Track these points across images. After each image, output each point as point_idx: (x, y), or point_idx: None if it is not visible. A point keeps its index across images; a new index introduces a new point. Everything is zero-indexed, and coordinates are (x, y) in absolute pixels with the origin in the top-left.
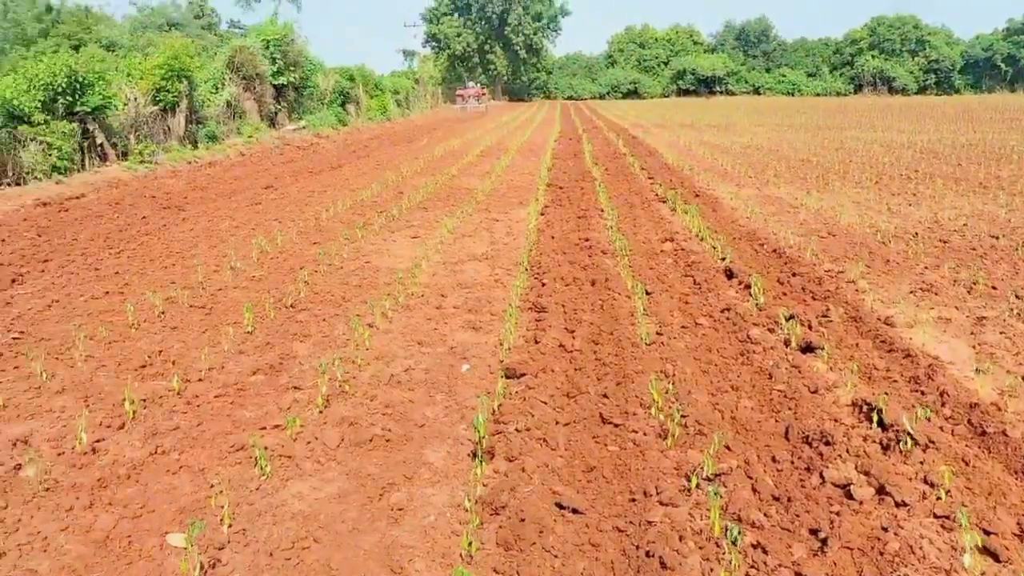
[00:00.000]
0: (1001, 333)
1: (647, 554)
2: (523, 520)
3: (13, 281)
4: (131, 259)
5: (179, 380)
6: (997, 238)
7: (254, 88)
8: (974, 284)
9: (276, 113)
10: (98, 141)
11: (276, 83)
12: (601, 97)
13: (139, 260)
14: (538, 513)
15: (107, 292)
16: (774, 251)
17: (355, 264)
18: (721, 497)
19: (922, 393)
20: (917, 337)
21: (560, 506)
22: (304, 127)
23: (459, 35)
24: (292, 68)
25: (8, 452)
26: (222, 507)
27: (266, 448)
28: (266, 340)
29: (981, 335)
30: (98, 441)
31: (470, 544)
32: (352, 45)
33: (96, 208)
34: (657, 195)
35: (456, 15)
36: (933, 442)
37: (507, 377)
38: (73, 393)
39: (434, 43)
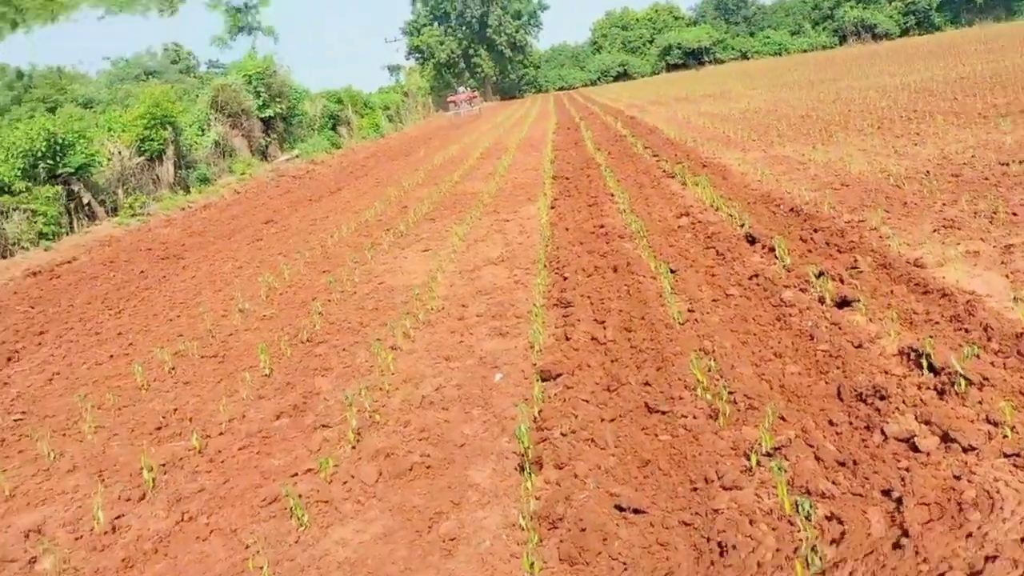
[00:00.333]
0: None
1: (720, 545)
2: (584, 530)
3: (9, 359)
4: (133, 317)
5: (199, 437)
6: (1007, 164)
7: (241, 124)
8: (994, 213)
9: (267, 146)
10: (85, 201)
11: (263, 116)
12: (592, 83)
13: (141, 317)
14: (598, 520)
15: (111, 356)
16: (791, 210)
17: (368, 287)
18: (785, 471)
19: (966, 331)
20: (949, 275)
21: (620, 508)
22: (297, 156)
23: (442, 43)
24: (277, 99)
25: (21, 546)
26: (261, 568)
27: (300, 496)
28: (286, 380)
29: (1012, 263)
30: (118, 517)
31: (532, 565)
32: (337, 68)
33: (90, 270)
34: (665, 171)
35: (436, 24)
36: (987, 379)
37: (543, 380)
38: (85, 469)
39: (418, 54)
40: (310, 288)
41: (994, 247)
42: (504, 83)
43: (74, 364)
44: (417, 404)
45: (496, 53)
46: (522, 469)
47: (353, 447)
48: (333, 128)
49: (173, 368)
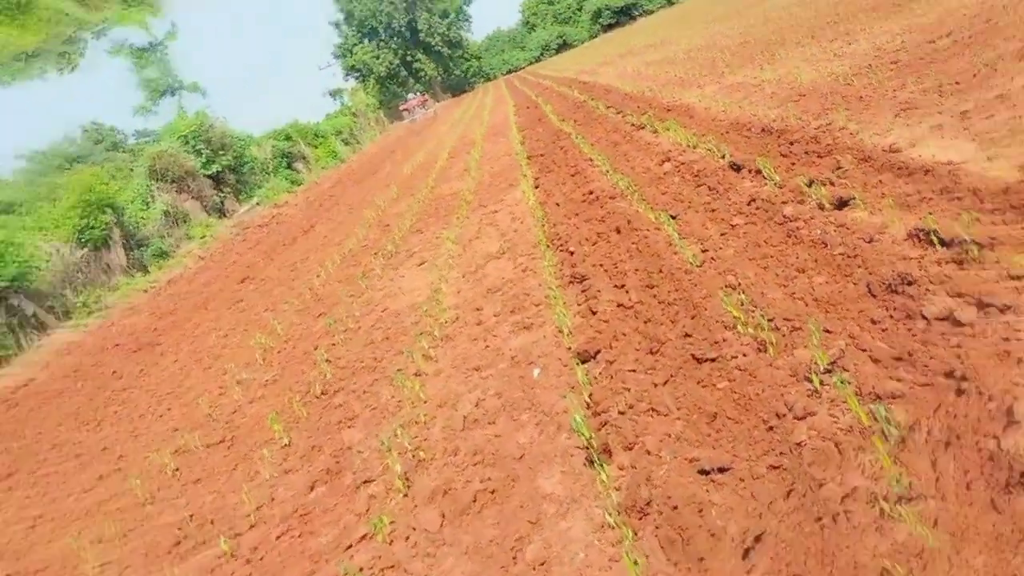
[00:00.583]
0: (987, 118)
1: (814, 482)
2: (675, 508)
3: None
4: (116, 426)
5: (227, 540)
6: (933, 42)
7: (188, 187)
8: (941, 87)
9: (222, 202)
10: (29, 312)
11: (209, 173)
12: (537, 60)
13: (126, 423)
14: (686, 491)
15: (100, 477)
16: (763, 130)
17: (372, 317)
18: (848, 383)
19: (958, 199)
20: (924, 152)
21: (704, 472)
22: (258, 203)
23: (378, 58)
24: (221, 152)
25: None
26: None
27: (361, 570)
28: (309, 445)
29: (973, 127)
30: None
31: (636, 563)
32: (278, 106)
33: (53, 387)
34: (634, 125)
35: (367, 41)
36: (994, 238)
37: (583, 361)
38: None
39: (356, 74)
40: (309, 337)
41: (952, 117)
42: (451, 80)
43: (58, 499)
44: (460, 427)
45: (435, 54)
46: (591, 462)
47: (405, 495)
48: (288, 166)
49: (177, 469)
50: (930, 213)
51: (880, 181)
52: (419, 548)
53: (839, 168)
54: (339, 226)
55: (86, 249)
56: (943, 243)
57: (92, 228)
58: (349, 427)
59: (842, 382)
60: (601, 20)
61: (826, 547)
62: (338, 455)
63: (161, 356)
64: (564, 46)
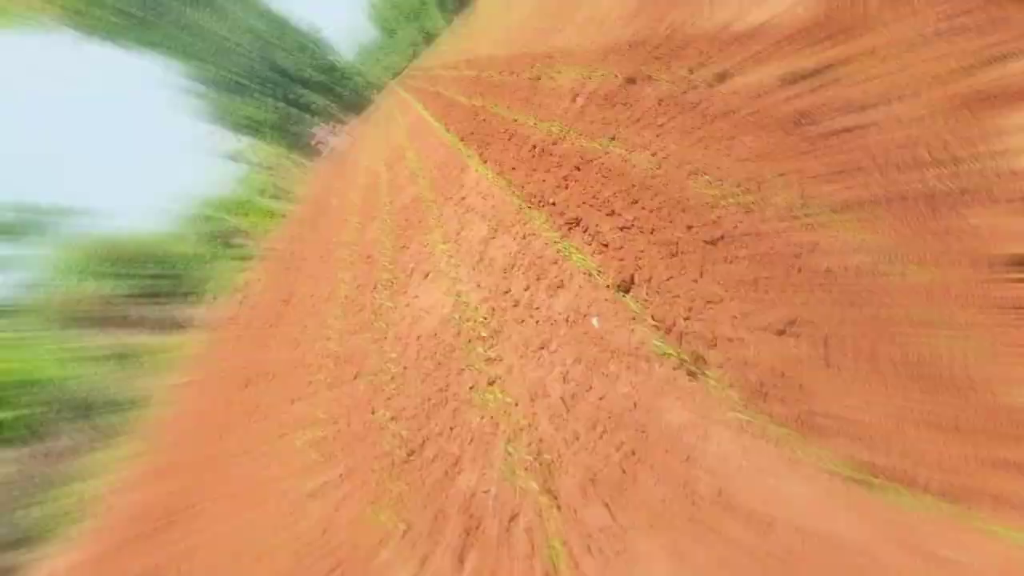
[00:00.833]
0: None
1: (824, 273)
2: (783, 375)
3: None
4: None
5: None
6: None
7: (122, 318)
8: None
9: (172, 315)
10: None
11: (137, 292)
12: (414, 56)
13: None
14: (783, 355)
15: None
16: (630, 46)
17: (412, 351)
18: (823, 207)
19: (790, 41)
20: (750, 18)
21: (781, 332)
22: (214, 298)
23: (259, 108)
24: (140, 263)
25: None
26: None
27: None
28: (430, 516)
29: None
30: None
31: (783, 441)
32: (173, 188)
33: None
34: (530, 79)
35: (238, 99)
36: (833, 58)
37: (625, 292)
38: None
39: (246, 130)
40: (356, 406)
41: None
42: (345, 101)
43: None
44: (565, 409)
45: (316, 84)
46: (693, 375)
47: (558, 508)
48: (225, 246)
49: None
50: (780, 60)
51: (735, 52)
52: (607, 550)
53: (701, 53)
54: (319, 280)
55: (18, 449)
56: (803, 77)
57: (16, 420)
58: (458, 474)
59: (817, 209)
60: (448, 6)
61: (873, 322)
62: (466, 508)
63: (194, 519)
64: (430, 37)
